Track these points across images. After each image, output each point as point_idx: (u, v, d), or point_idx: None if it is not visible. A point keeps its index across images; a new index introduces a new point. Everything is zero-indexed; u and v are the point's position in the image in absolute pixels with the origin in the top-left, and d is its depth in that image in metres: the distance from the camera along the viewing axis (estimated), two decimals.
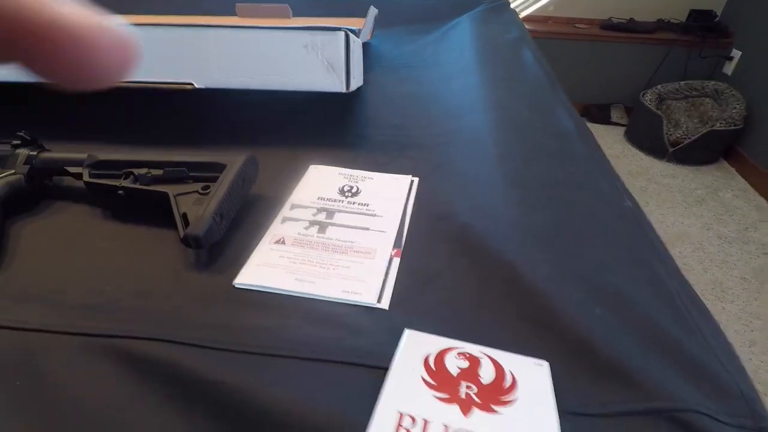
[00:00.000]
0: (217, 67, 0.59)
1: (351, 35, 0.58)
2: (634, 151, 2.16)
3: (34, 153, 0.51)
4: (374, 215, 0.51)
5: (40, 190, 0.52)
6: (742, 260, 1.56)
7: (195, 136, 0.65)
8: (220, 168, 0.49)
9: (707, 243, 1.63)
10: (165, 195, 0.47)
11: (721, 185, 1.93)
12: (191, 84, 0.60)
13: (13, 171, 0.50)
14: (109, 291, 0.38)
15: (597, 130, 2.33)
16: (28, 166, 0.50)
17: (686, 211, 1.79)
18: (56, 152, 0.52)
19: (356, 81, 0.62)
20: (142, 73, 0.59)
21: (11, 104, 0.66)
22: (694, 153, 2.01)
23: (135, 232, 0.47)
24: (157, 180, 0.49)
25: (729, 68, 2.14)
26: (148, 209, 0.49)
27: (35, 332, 0.32)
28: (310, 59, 0.58)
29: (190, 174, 0.49)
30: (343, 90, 0.60)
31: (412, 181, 0.56)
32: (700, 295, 1.30)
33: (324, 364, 0.31)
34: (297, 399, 0.28)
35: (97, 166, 0.50)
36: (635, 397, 0.29)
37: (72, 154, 0.51)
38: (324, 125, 0.70)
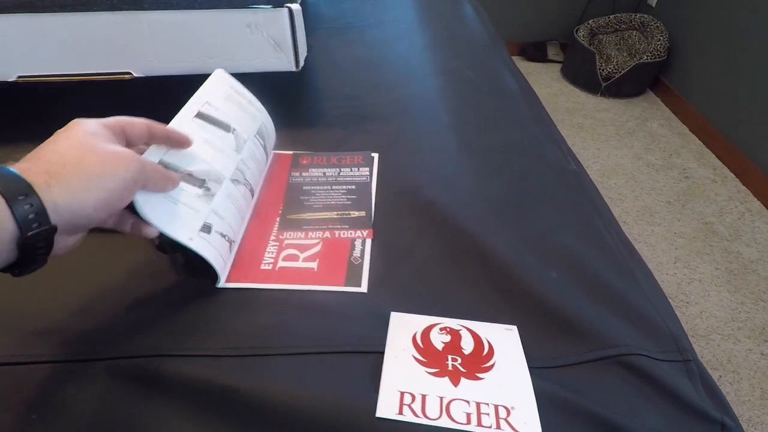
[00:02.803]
0: (155, 53, 0.56)
1: (294, 10, 0.56)
2: (570, 87, 2.25)
3: None
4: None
5: None
6: (667, 185, 1.72)
7: None
8: None
9: (638, 172, 1.77)
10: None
11: (648, 116, 2.07)
12: (129, 73, 0.56)
13: None
14: (100, 310, 0.38)
15: (535, 68, 2.38)
16: None
17: (619, 143, 1.92)
18: None
19: (303, 54, 0.61)
20: (76, 65, 0.55)
21: None
22: (625, 86, 2.12)
23: (98, 242, 0.46)
24: None
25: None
26: None
27: (37, 364, 0.33)
28: (254, 39, 0.56)
29: None
30: (293, 69, 0.59)
31: (373, 157, 0.58)
32: (632, 221, 1.42)
33: (322, 356, 0.34)
34: (304, 393, 0.31)
35: None
36: (588, 347, 0.35)
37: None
38: (275, 102, 0.69)
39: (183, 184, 0.39)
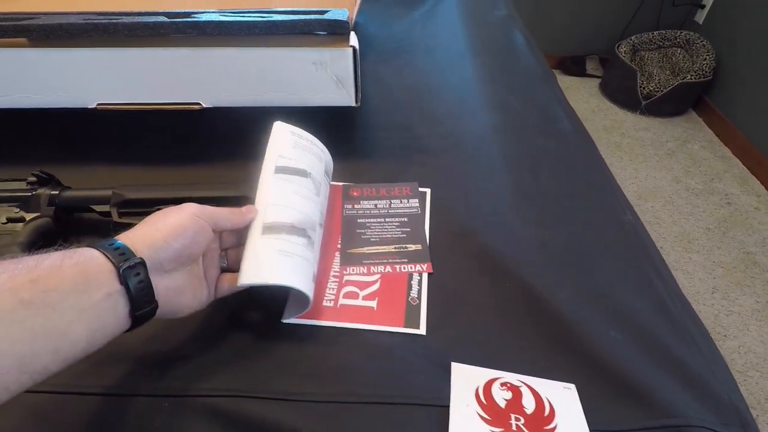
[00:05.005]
0: (225, 86, 0.59)
1: (357, 50, 0.58)
2: (609, 104, 2.21)
3: (56, 192, 0.51)
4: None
5: (65, 227, 0.53)
6: (707, 211, 1.68)
7: (203, 154, 0.65)
8: (247, 201, 0.51)
9: (676, 196, 1.74)
10: None
11: (689, 137, 2.02)
12: (199, 104, 0.59)
13: (38, 213, 0.50)
14: (165, 344, 0.40)
15: (572, 83, 2.35)
16: (53, 208, 0.51)
17: (658, 164, 1.88)
18: (78, 190, 0.52)
19: (359, 86, 0.63)
20: (150, 95, 0.58)
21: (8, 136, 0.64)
22: (666, 105, 2.08)
23: None
24: None
25: (700, 17, 2.17)
26: None
27: (118, 396, 0.35)
28: (319, 76, 0.59)
29: None
30: (353, 104, 0.61)
31: (425, 192, 0.59)
32: (669, 247, 1.39)
33: (388, 407, 0.35)
34: None
35: (125, 204, 0.51)
36: (648, 414, 0.36)
37: (96, 192, 0.52)
38: (330, 131, 0.71)
39: (292, 237, 0.41)
